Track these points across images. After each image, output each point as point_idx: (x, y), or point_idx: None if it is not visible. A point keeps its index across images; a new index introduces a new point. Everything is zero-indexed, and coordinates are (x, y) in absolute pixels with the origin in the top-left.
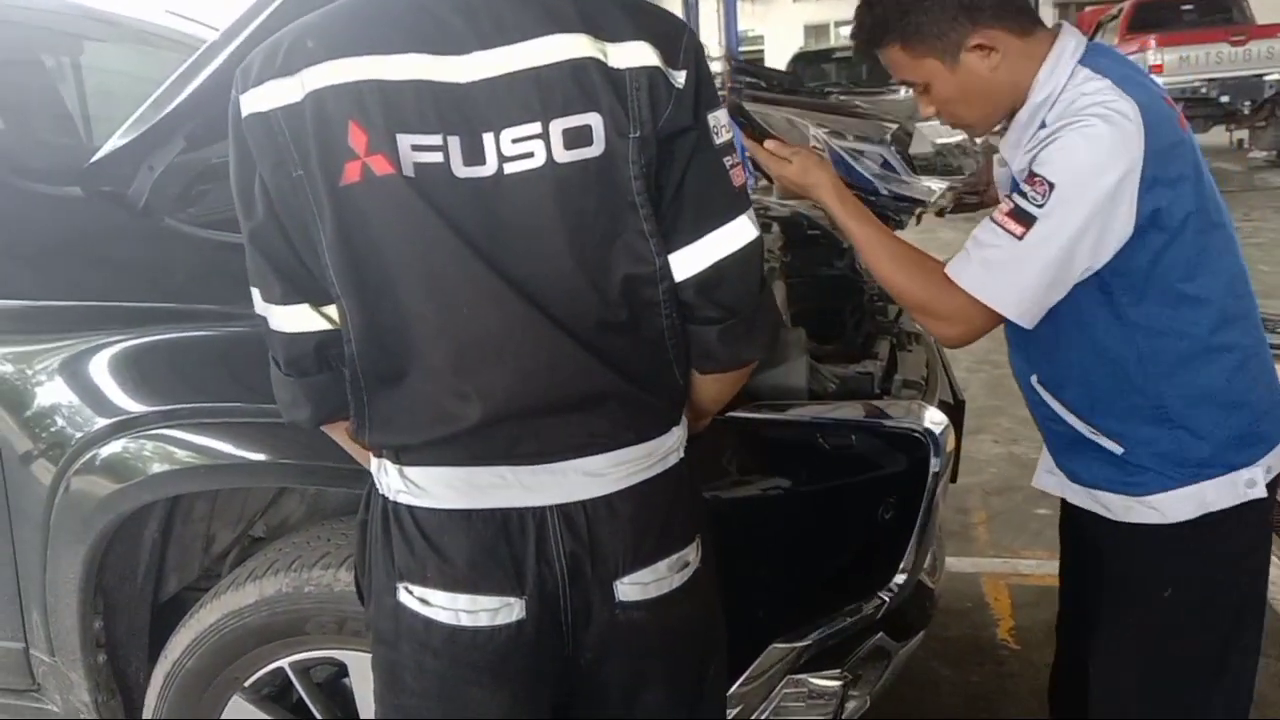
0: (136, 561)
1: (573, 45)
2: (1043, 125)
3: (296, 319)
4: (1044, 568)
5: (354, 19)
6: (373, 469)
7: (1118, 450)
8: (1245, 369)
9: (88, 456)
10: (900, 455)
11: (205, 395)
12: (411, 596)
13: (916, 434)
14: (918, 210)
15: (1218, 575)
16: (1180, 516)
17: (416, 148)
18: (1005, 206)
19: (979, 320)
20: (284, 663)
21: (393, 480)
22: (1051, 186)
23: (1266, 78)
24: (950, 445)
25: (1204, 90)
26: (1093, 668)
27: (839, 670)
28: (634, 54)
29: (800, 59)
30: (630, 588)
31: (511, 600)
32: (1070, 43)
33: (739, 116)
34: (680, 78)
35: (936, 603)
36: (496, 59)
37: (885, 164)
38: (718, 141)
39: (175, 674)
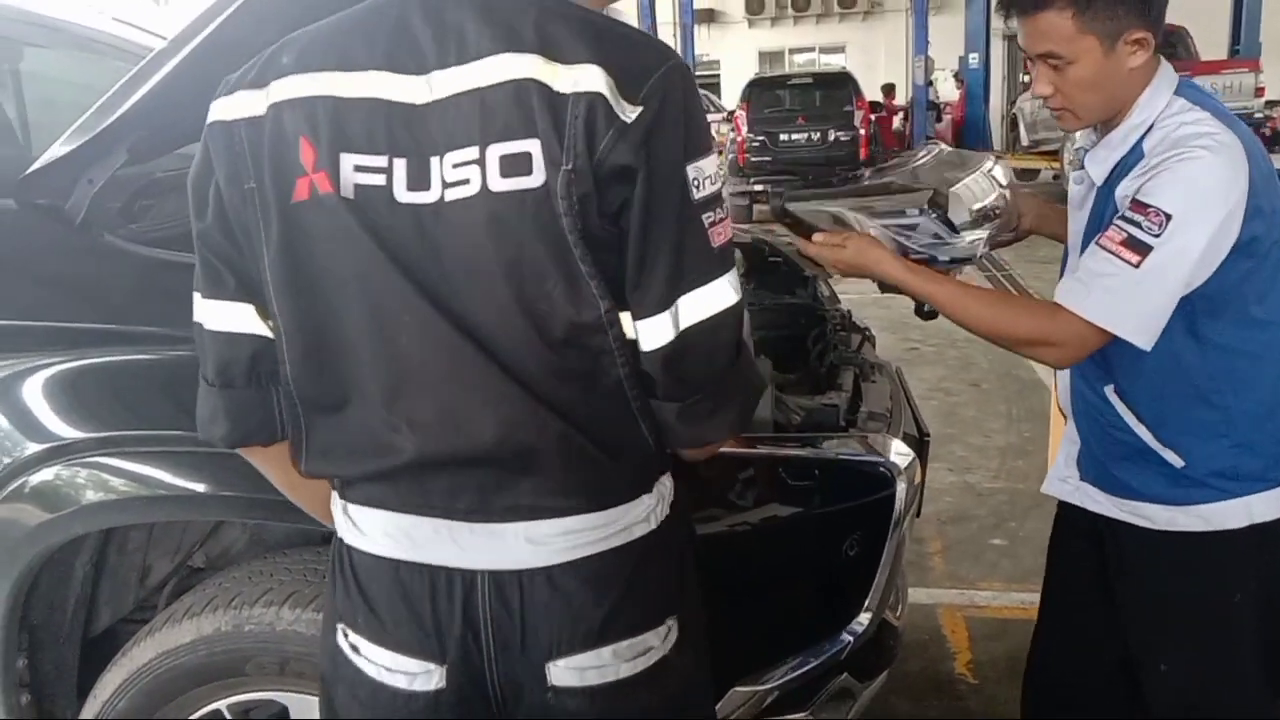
0: (66, 594)
1: (519, 65)
2: (1136, 150)
3: (238, 318)
4: (1000, 599)
5: (335, 33)
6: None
7: (1179, 464)
8: None
9: (16, 484)
10: (865, 490)
11: (144, 422)
12: (346, 641)
13: (882, 468)
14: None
15: (1270, 588)
16: (1227, 525)
17: (359, 169)
18: (1117, 236)
19: (1094, 343)
20: (221, 705)
21: (339, 516)
22: (1168, 217)
23: None
24: (916, 479)
25: None
26: (1165, 668)
27: (804, 714)
28: (581, 78)
29: (755, 85)
30: (566, 672)
31: (431, 667)
32: (1169, 74)
33: (785, 219)
34: (632, 112)
35: (901, 640)
36: (449, 79)
37: (935, 234)
38: (696, 196)
39: (105, 716)
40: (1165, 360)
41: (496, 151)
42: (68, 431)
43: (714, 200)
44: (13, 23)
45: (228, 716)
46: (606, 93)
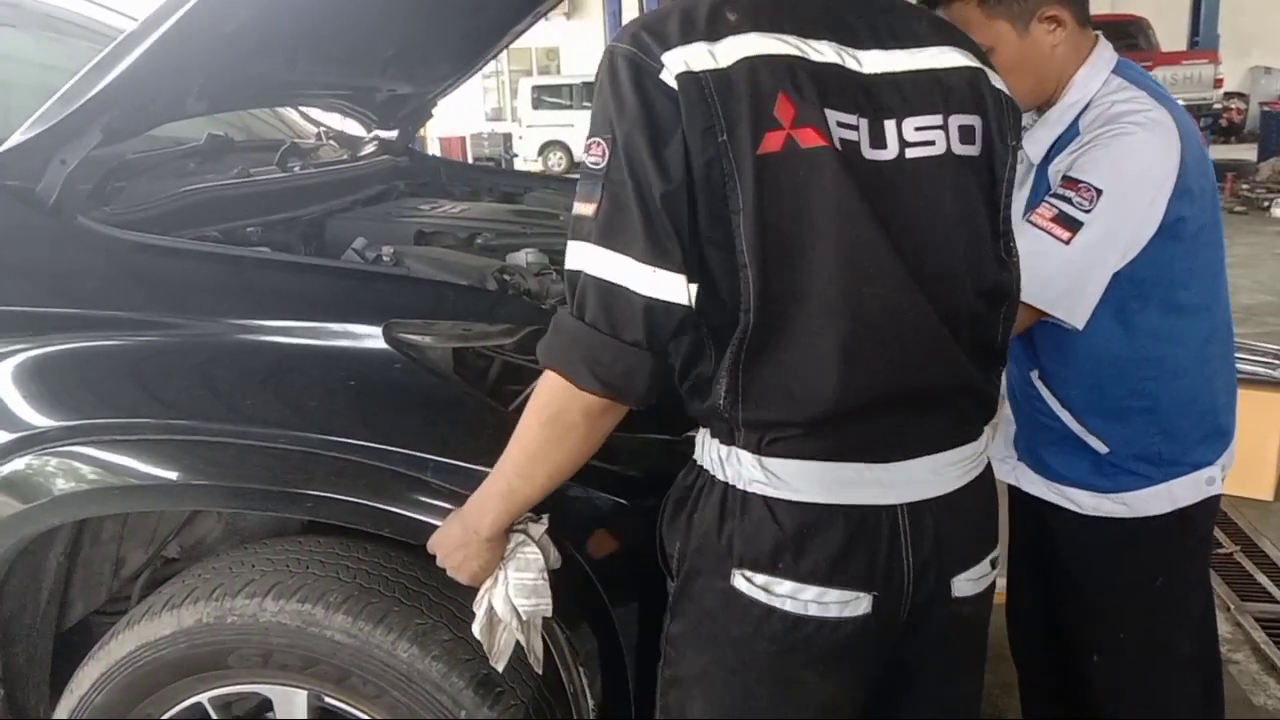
0: (39, 587)
1: (964, 59)
2: (1072, 128)
3: (676, 289)
4: None
5: (766, 2)
6: (710, 455)
7: (1103, 449)
8: (1220, 375)
9: None
10: None
11: (118, 410)
12: (751, 584)
13: None
14: None
15: (1194, 564)
16: (1149, 512)
17: (840, 124)
18: (1047, 212)
19: (1025, 320)
20: (203, 698)
21: (746, 470)
22: (1099, 193)
23: None
24: None
25: None
26: (1099, 667)
27: None
28: (999, 81)
29: None
30: (965, 584)
31: (861, 595)
32: (1106, 52)
33: None
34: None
35: None
36: (896, 59)
37: None
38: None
39: (82, 710)
40: (1091, 346)
41: (956, 121)
42: (39, 420)
43: None
44: None
45: (209, 709)
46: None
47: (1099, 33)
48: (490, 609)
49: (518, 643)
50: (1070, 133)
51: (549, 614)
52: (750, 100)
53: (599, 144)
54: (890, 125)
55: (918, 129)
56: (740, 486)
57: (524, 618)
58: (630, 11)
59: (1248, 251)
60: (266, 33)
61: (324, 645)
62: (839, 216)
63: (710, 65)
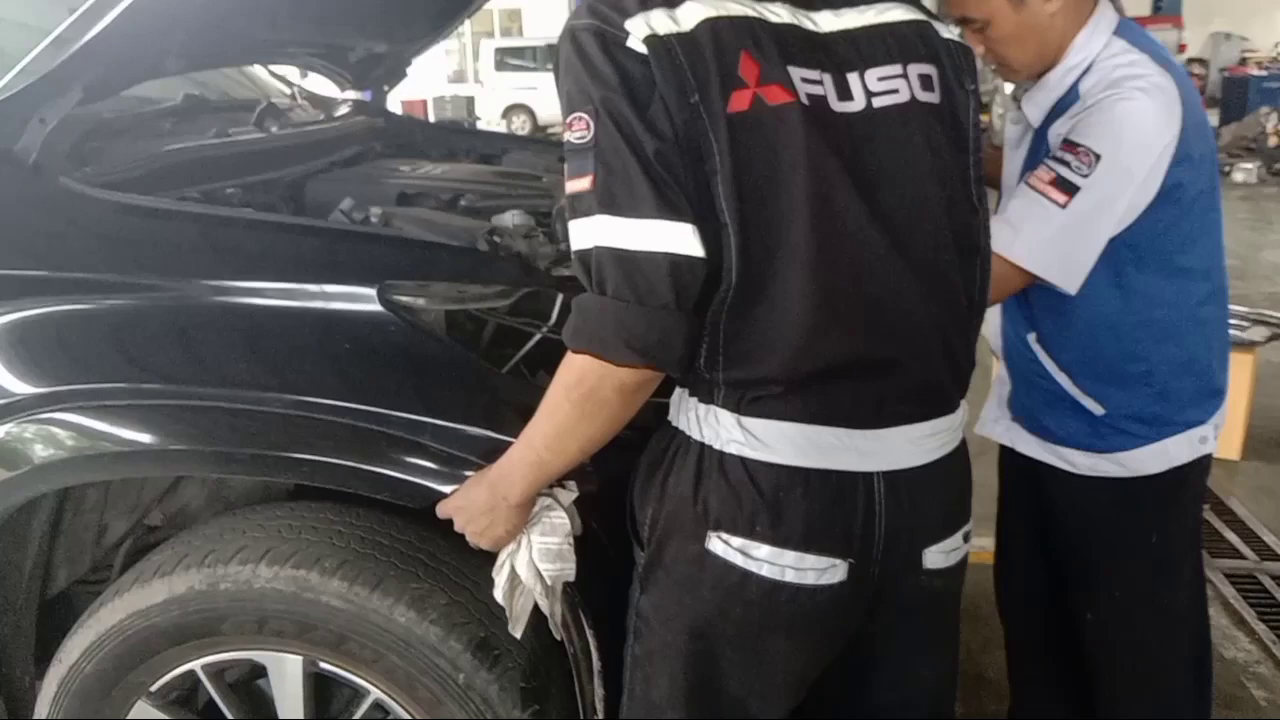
0: (23, 557)
1: (909, 13)
2: (1072, 91)
3: (692, 242)
4: None
5: None
6: (687, 415)
7: (1099, 411)
8: (1216, 337)
9: None
10: None
11: (103, 375)
12: (728, 546)
13: None
14: None
15: (1186, 522)
16: (1145, 470)
17: (805, 80)
18: (1045, 175)
19: (1016, 284)
20: (196, 665)
21: (725, 430)
22: (1098, 157)
23: None
24: None
25: None
26: (1097, 623)
27: None
28: (946, 30)
29: None
30: (936, 555)
31: (838, 562)
32: (1109, 13)
33: None
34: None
35: None
36: (847, 17)
37: None
38: None
39: (72, 679)
40: (1088, 309)
41: (915, 70)
42: (19, 387)
43: None
44: None
45: (203, 677)
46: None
47: None
48: (512, 573)
49: (535, 607)
50: (1070, 96)
51: (572, 578)
52: (716, 60)
53: (581, 118)
54: (854, 78)
55: (880, 79)
56: (718, 447)
57: (548, 582)
58: None
59: None
60: None
61: (319, 610)
62: (811, 173)
63: (674, 29)
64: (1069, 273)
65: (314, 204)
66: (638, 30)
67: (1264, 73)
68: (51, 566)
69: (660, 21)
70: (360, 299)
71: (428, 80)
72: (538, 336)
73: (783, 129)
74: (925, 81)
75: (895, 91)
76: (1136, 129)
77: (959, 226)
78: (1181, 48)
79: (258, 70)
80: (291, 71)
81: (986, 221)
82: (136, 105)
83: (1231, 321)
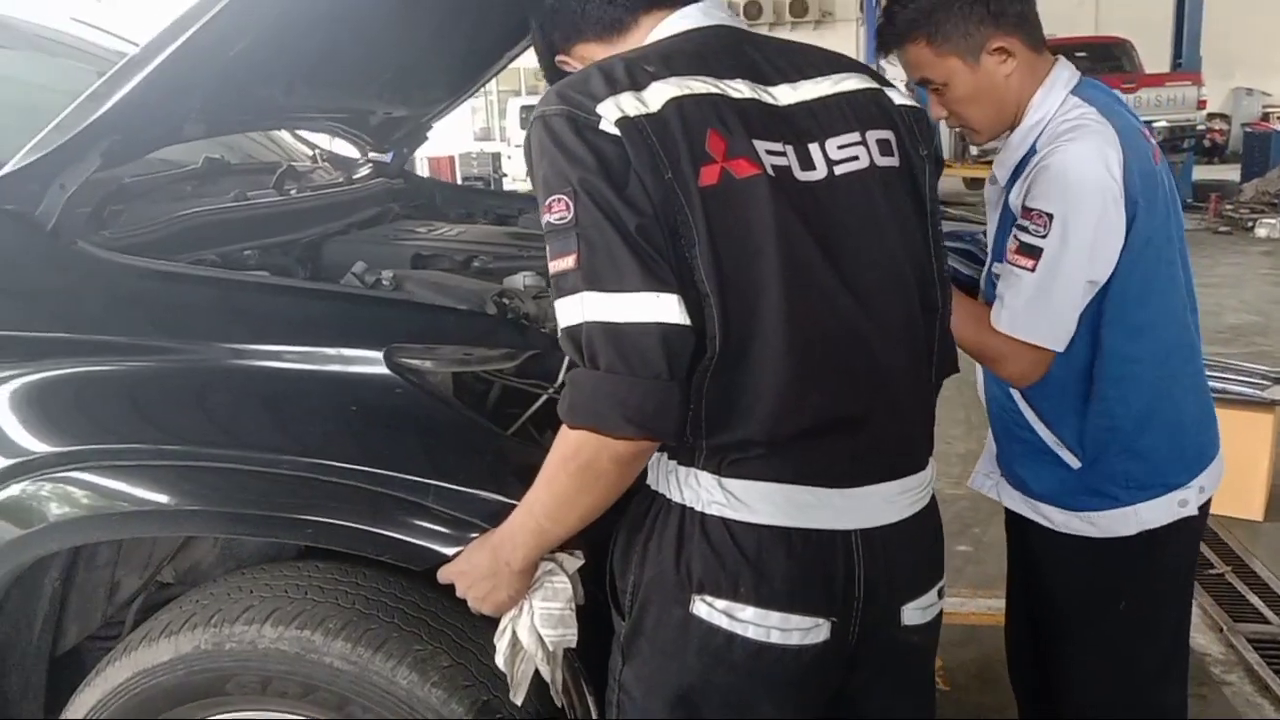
0: (33, 613)
1: (863, 82)
2: (1031, 150)
3: (680, 311)
4: (968, 605)
5: (675, 54)
6: (667, 479)
7: (1075, 464)
8: (1188, 395)
9: None
10: None
11: (116, 435)
12: (712, 609)
13: None
14: None
15: (1160, 588)
16: (1117, 533)
17: (769, 152)
18: (1013, 245)
19: (1028, 356)
20: None
21: (706, 491)
22: (1050, 217)
23: (1154, 124)
24: None
25: None
26: (1068, 679)
27: None
28: (900, 97)
29: None
30: (914, 612)
31: (821, 621)
32: (1065, 73)
33: None
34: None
35: None
36: (804, 89)
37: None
38: None
39: None
40: (1064, 361)
41: (873, 136)
42: (36, 446)
43: None
44: None
45: None
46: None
47: (1059, 56)
48: (514, 639)
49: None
50: (1029, 155)
51: (574, 644)
52: (685, 138)
53: (560, 200)
54: (814, 148)
55: (840, 147)
56: (699, 509)
57: (550, 648)
58: None
59: (1233, 271)
60: (266, 57)
61: (323, 672)
62: (782, 240)
63: (643, 110)
64: (1054, 332)
65: (331, 265)
66: (609, 113)
67: None
68: (63, 622)
69: (629, 104)
70: (368, 362)
71: (455, 137)
72: (544, 397)
73: (752, 200)
74: (884, 146)
75: (855, 158)
76: (1076, 173)
77: (923, 286)
78: (1201, 104)
79: (282, 133)
80: (317, 134)
81: (946, 282)
82: (159, 168)
83: (1250, 380)
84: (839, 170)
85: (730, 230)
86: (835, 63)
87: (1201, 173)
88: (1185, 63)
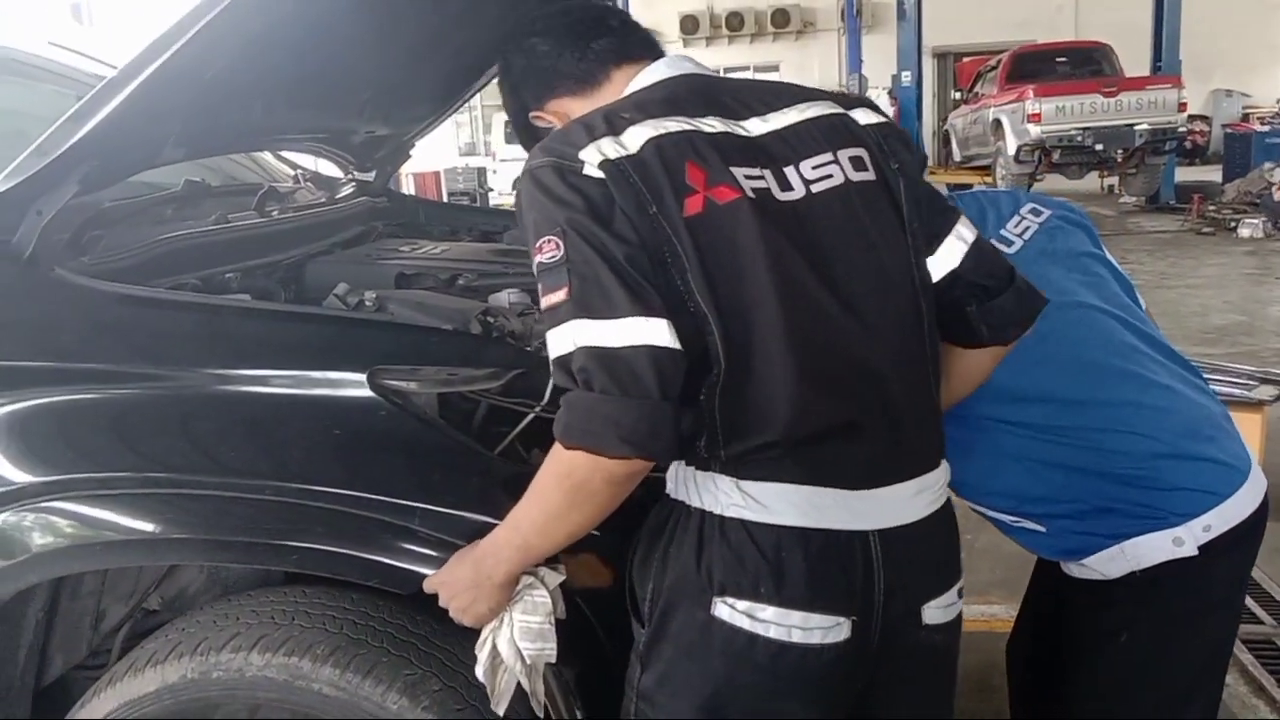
0: (17, 644)
1: (829, 108)
2: None
3: (670, 334)
4: (968, 612)
5: (648, 101)
6: (685, 486)
7: (1041, 529)
8: (1106, 436)
9: None
10: None
11: (98, 464)
12: (734, 610)
13: None
14: None
15: (1167, 630)
16: (1111, 574)
17: (747, 177)
18: None
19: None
20: None
21: (724, 494)
22: None
23: (1136, 127)
24: None
25: (1079, 138)
26: (1078, 710)
27: None
28: (865, 117)
29: None
30: (935, 611)
31: (841, 620)
32: None
33: None
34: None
35: None
36: (772, 120)
37: None
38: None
39: None
40: (986, 444)
41: (845, 154)
42: (18, 476)
43: None
44: None
45: None
46: (886, 121)
47: None
48: (494, 651)
49: (518, 685)
50: None
51: (553, 659)
52: (665, 174)
53: (549, 240)
54: (790, 170)
55: (814, 167)
56: (718, 512)
57: (528, 661)
58: None
59: (1217, 272)
60: (245, 78)
61: (312, 698)
62: (770, 257)
63: (623, 152)
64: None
65: (314, 286)
66: (591, 158)
67: (1266, 128)
68: (47, 653)
69: (609, 147)
70: (351, 384)
71: (440, 153)
72: (530, 416)
73: (737, 222)
74: (857, 162)
75: (830, 176)
76: None
77: (911, 291)
78: (1182, 106)
79: (264, 153)
80: (300, 155)
81: (929, 288)
82: (139, 191)
83: (1237, 380)
84: (815, 188)
85: (719, 253)
86: (801, 94)
87: (1183, 175)
88: (1165, 66)
